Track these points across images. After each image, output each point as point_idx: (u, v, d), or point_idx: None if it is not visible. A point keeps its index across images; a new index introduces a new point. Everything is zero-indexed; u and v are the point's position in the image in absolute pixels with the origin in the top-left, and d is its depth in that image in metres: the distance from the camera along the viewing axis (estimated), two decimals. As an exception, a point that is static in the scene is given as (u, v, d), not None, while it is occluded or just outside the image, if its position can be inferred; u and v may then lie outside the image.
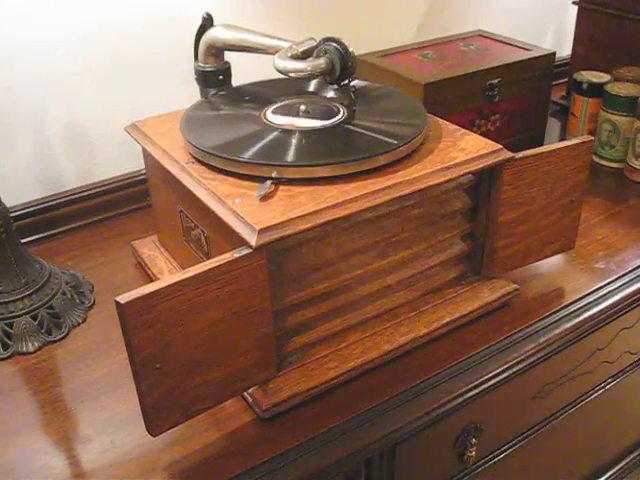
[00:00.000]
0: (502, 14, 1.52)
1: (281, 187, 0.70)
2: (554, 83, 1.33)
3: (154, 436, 0.64)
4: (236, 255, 0.61)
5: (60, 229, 1.05)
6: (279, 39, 0.85)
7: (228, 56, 0.92)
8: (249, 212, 0.65)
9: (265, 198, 0.68)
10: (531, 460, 1.01)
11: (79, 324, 0.86)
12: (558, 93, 1.46)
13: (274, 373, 0.71)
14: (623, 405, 1.14)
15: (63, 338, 0.84)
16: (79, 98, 1.06)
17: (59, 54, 1.02)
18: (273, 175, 0.69)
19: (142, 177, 1.07)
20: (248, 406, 0.73)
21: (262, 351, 0.68)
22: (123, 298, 0.57)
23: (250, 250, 0.62)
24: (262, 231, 0.62)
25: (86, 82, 1.06)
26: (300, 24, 1.23)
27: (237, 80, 0.94)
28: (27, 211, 1.03)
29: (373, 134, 0.76)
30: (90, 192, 1.07)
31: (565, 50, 1.57)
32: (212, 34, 0.89)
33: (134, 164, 1.10)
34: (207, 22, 0.91)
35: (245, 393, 0.72)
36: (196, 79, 0.93)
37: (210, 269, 0.60)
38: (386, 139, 0.74)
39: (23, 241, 1.00)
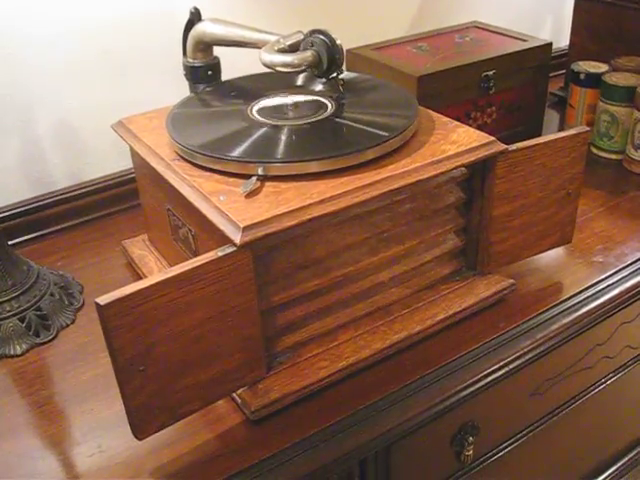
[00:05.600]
0: (498, 5, 1.50)
1: (267, 183, 0.68)
2: (553, 74, 1.31)
3: (140, 440, 0.63)
4: (220, 254, 0.60)
5: (50, 229, 1.04)
6: (267, 33, 0.84)
7: (218, 50, 0.90)
8: (233, 209, 0.63)
9: (250, 195, 0.66)
10: (530, 458, 0.99)
11: (68, 325, 0.85)
12: (557, 84, 1.44)
13: (264, 373, 0.70)
14: (624, 401, 1.12)
15: (51, 340, 0.83)
16: (68, 96, 1.05)
17: (46, 51, 1.01)
18: (259, 172, 0.68)
19: (132, 175, 1.05)
20: (237, 407, 0.71)
21: (250, 351, 0.67)
22: (103, 299, 0.55)
23: (234, 248, 0.60)
24: (246, 229, 0.61)
25: (75, 79, 1.04)
26: (292, 17, 1.21)
27: (229, 74, 0.93)
28: (16, 212, 1.01)
29: (362, 126, 0.74)
30: (80, 191, 1.06)
31: (564, 41, 1.55)
32: (200, 29, 0.88)
33: (125, 162, 1.08)
34: (195, 17, 0.89)
35: (234, 394, 0.71)
36: (185, 75, 0.91)
37: (193, 268, 0.58)
38: (375, 131, 0.73)
39: (12, 242, 0.99)
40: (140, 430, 0.62)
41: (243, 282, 0.62)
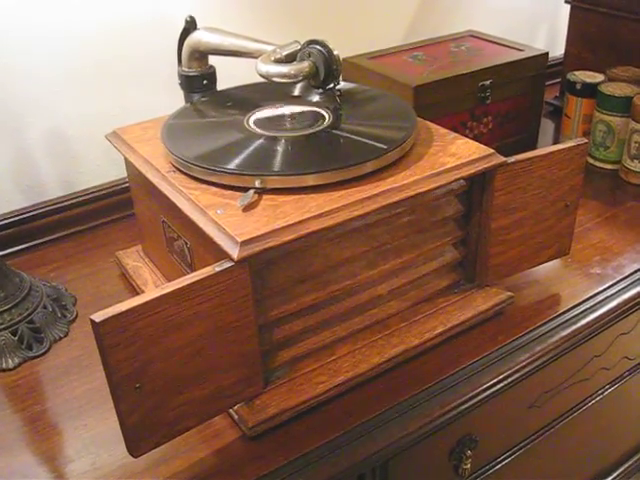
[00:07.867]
0: (494, 14, 1.49)
1: (265, 196, 0.67)
2: (548, 83, 1.30)
3: (135, 457, 0.62)
4: (217, 269, 0.59)
5: (42, 240, 1.02)
6: (263, 42, 0.83)
7: (214, 59, 0.89)
8: (231, 223, 0.62)
9: (248, 208, 0.65)
10: (528, 469, 0.98)
11: (61, 338, 0.84)
12: (552, 93, 1.43)
13: (261, 389, 0.69)
14: (622, 410, 1.12)
15: (44, 353, 0.81)
16: (61, 104, 1.04)
17: (41, 60, 0.99)
18: (256, 184, 0.67)
19: (126, 185, 1.04)
20: (235, 423, 0.70)
21: (247, 367, 0.66)
22: (98, 316, 0.54)
23: (232, 264, 0.59)
24: (244, 243, 0.60)
25: (69, 88, 1.03)
26: (288, 26, 1.20)
27: (225, 83, 0.92)
28: (8, 222, 1.00)
29: (360, 138, 0.74)
30: (73, 201, 1.04)
31: (559, 50, 1.55)
32: (195, 38, 0.87)
33: (118, 172, 1.07)
34: (190, 25, 0.88)
35: (231, 410, 0.69)
36: (180, 84, 0.91)
37: (189, 284, 0.57)
38: (374, 143, 0.72)
39: (4, 253, 0.98)
40: (135, 448, 0.61)
41: (240, 297, 0.62)
